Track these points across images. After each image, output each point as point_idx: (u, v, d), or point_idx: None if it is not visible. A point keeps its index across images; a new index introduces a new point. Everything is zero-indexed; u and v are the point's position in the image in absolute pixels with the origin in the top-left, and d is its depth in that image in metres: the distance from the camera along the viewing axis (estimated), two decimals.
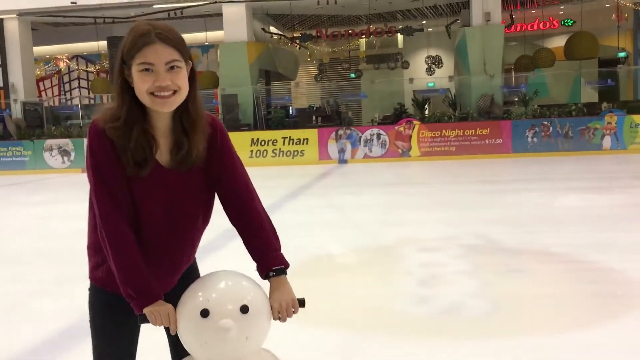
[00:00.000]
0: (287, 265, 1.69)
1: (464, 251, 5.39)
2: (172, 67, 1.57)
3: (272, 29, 19.93)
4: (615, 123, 13.89)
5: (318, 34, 18.32)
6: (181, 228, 1.70)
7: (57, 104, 23.22)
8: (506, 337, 3.39)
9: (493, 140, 14.53)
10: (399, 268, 5.02)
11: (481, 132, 14.60)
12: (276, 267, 1.66)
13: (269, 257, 1.68)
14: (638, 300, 3.95)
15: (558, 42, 19.78)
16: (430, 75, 19.57)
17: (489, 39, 15.46)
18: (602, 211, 7.09)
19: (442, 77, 18.56)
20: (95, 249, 1.72)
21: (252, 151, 15.47)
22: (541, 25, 20.21)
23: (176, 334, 1.60)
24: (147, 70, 1.55)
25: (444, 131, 14.83)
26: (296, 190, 10.27)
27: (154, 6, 17.04)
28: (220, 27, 17.55)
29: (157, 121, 1.64)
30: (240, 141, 15.41)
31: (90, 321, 1.77)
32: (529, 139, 14.30)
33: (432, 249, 5.56)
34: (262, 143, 15.61)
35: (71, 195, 11.49)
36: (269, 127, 16.63)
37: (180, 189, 1.67)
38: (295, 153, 15.43)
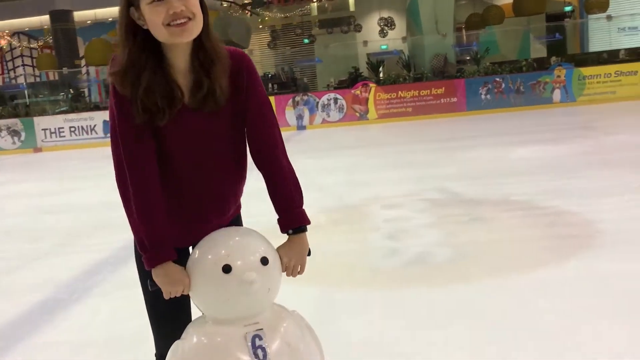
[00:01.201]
0: (308, 222, 1.66)
1: (427, 205, 5.56)
2: None
3: None
4: (564, 76, 14.28)
5: (270, 0, 18.05)
6: (208, 169, 1.65)
7: (0, 83, 22.35)
8: (472, 281, 3.55)
9: (448, 99, 14.76)
10: (366, 225, 5.14)
11: (436, 91, 14.80)
12: (296, 227, 1.65)
13: (291, 214, 1.65)
14: (593, 240, 4.17)
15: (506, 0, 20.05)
16: (384, 37, 19.60)
17: None
18: (555, 161, 7.37)
19: (395, 39, 18.62)
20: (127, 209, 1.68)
21: None
22: None
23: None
24: (157, 0, 1.48)
25: (399, 92, 14.97)
26: None
27: None
28: None
29: (176, 59, 1.56)
30: None
31: (139, 275, 1.75)
32: (483, 96, 14.59)
33: (396, 205, 5.70)
34: None
35: (25, 175, 11.21)
36: None
37: (206, 129, 1.61)
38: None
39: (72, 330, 3.34)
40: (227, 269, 1.49)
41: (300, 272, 1.68)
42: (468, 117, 14.10)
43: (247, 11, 19.85)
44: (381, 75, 16.76)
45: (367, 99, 15.07)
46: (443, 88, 14.80)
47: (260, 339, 1.51)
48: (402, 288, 3.55)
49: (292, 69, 19.30)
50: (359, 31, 20.76)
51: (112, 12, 21.10)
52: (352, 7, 21.57)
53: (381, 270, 3.94)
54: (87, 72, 20.28)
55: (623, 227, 4.35)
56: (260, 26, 23.17)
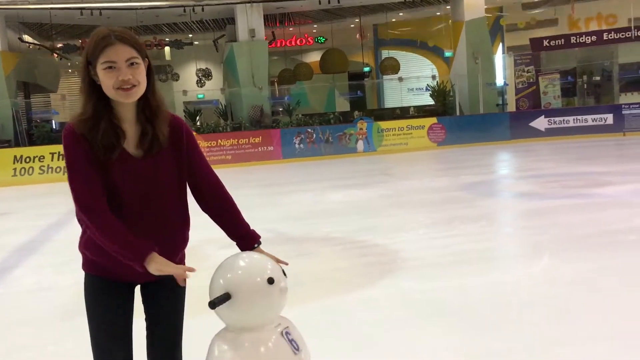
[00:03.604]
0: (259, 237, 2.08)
1: None
2: (132, 64, 1.82)
3: (28, 38, 18.60)
4: (366, 129, 16.10)
5: (83, 45, 17.64)
6: (155, 209, 1.93)
7: None
8: (309, 303, 4.21)
9: (265, 147, 15.70)
10: (207, 264, 5.56)
11: (254, 140, 15.67)
12: (259, 242, 2.07)
13: (249, 235, 2.07)
14: (397, 265, 5.12)
15: (314, 57, 22.00)
16: (201, 87, 20.17)
17: (255, 53, 16.65)
18: (363, 203, 8.52)
19: (214, 89, 19.31)
20: (83, 237, 1.95)
21: (15, 169, 14.36)
22: (298, 42, 22.23)
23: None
24: (110, 67, 1.80)
25: (219, 141, 15.56)
26: None
27: None
28: None
29: (123, 113, 1.88)
30: (1, 159, 14.24)
31: (86, 310, 1.98)
32: (297, 145, 15.79)
33: (231, 244, 6.20)
34: (27, 160, 14.58)
35: None
36: (32, 143, 15.60)
37: (149, 173, 1.91)
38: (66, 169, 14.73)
39: None
40: (271, 280, 1.82)
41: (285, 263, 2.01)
42: (284, 165, 15.15)
43: (56, 54, 19.11)
44: (198, 123, 17.23)
45: None
46: (260, 137, 15.72)
47: (289, 334, 1.89)
48: None
49: None
50: (177, 80, 21.11)
51: None
52: (168, 57, 21.88)
53: None
54: None
55: (419, 254, 5.39)
56: (70, 70, 22.36)
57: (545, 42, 17.63)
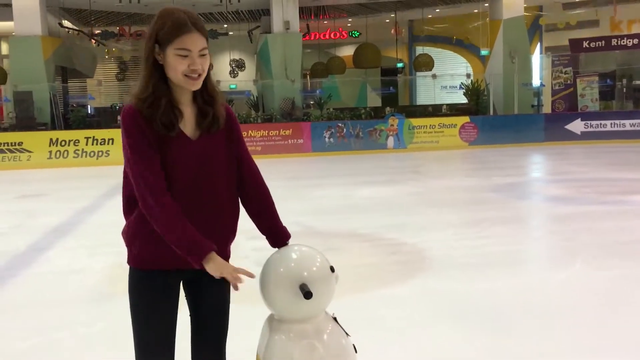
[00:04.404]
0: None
1: None
2: (202, 55, 1.84)
3: (67, 23, 18.95)
4: (397, 125, 16.00)
5: (121, 32, 17.95)
6: (206, 192, 1.92)
7: None
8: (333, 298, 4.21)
9: (295, 140, 15.73)
10: (236, 254, 5.61)
11: (284, 132, 15.71)
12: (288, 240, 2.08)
13: (283, 232, 2.08)
14: (425, 264, 5.09)
15: (347, 51, 21.92)
16: (234, 77, 20.29)
17: (289, 45, 16.67)
18: (392, 199, 8.48)
19: (246, 80, 19.40)
20: (129, 229, 1.91)
21: (51, 152, 14.66)
22: (332, 35, 22.17)
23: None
24: (183, 55, 1.81)
25: (250, 132, 15.62)
26: (111, 190, 10.23)
27: None
28: (6, 17, 16.26)
29: (181, 96, 1.90)
30: (37, 141, 14.57)
31: (130, 307, 1.94)
32: (327, 139, 15.78)
33: (259, 236, 6.24)
34: (63, 143, 14.88)
35: None
36: (68, 127, 15.91)
37: (205, 153, 1.91)
38: (100, 153, 14.99)
39: None
40: (332, 269, 1.91)
41: None
42: (313, 158, 15.16)
43: (93, 40, 19.43)
44: None
45: None
46: (291, 130, 15.75)
47: (337, 320, 1.97)
48: None
49: None
50: (211, 70, 21.25)
51: None
52: None
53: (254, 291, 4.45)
54: None
55: (447, 255, 5.35)
56: (107, 57, 22.71)
57: (585, 44, 17.23)
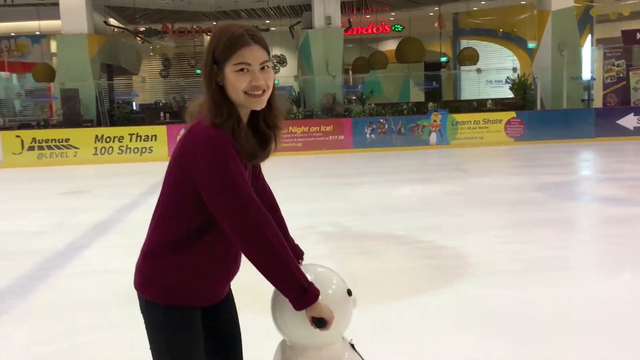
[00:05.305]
0: None
1: (322, 238, 6.06)
2: (263, 68, 1.67)
3: (113, 21, 19.30)
4: (440, 121, 15.65)
5: (164, 29, 18.15)
6: None
7: None
8: (366, 304, 4.04)
9: (336, 136, 15.59)
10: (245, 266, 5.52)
11: (325, 129, 15.58)
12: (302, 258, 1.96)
13: (296, 250, 1.98)
14: (462, 269, 4.87)
15: (390, 46, 21.59)
16: (276, 73, 20.26)
17: (330, 41, 16.52)
18: (432, 199, 8.23)
19: (287, 76, 19.36)
20: (173, 269, 1.70)
21: (96, 148, 14.95)
22: (375, 30, 21.89)
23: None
24: (243, 70, 1.64)
25: (290, 128, 15.55)
26: (152, 187, 10.33)
27: None
28: (54, 16, 16.65)
29: (242, 117, 1.72)
30: (83, 138, 14.88)
31: (162, 348, 1.73)
32: (368, 135, 15.58)
33: (295, 237, 6.13)
34: (108, 140, 15.16)
35: None
36: (113, 124, 16.20)
37: (250, 181, 1.76)
38: (144, 150, 15.21)
39: None
40: (349, 292, 1.77)
41: None
42: (354, 154, 14.99)
43: (138, 38, 19.73)
44: None
45: None
46: (331, 126, 15.61)
47: (354, 347, 1.84)
48: None
49: (183, 98, 19.38)
50: (270, 53, 21.35)
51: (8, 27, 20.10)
52: None
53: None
54: None
55: (487, 259, 5.11)
56: (152, 54, 23.03)
57: (639, 35, 16.46)
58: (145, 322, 1.76)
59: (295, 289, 1.60)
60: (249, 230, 1.60)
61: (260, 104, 1.69)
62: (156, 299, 1.72)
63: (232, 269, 1.82)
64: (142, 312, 1.77)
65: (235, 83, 1.64)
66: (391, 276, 4.78)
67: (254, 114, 1.74)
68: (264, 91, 1.67)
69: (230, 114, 1.64)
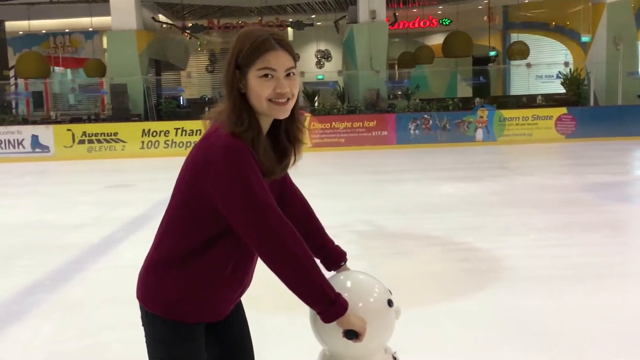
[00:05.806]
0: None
1: (354, 237, 5.95)
2: (289, 74, 1.58)
3: (161, 17, 19.63)
4: (487, 117, 15.25)
5: (210, 25, 18.33)
6: None
7: None
8: None
9: (379, 132, 15.40)
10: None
11: (368, 124, 15.41)
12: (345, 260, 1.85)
13: (338, 252, 1.84)
14: (497, 274, 4.68)
15: (437, 40, 21.20)
16: (320, 68, 20.23)
17: (374, 35, 16.30)
18: (472, 198, 7.99)
19: (331, 71, 19.26)
20: (182, 283, 1.64)
21: (143, 142, 15.25)
22: (421, 24, 21.51)
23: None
24: (267, 75, 1.55)
25: (333, 123, 15.48)
26: None
27: None
28: (105, 12, 17.05)
29: (263, 127, 1.62)
30: (131, 132, 15.19)
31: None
32: (411, 131, 15.32)
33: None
34: (154, 134, 15.42)
35: None
36: (160, 118, 16.48)
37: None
38: (189, 144, 15.40)
39: (12, 351, 3.46)
40: (390, 303, 1.69)
41: None
42: (397, 150, 14.78)
43: (186, 34, 20.02)
44: (316, 105, 17.28)
45: None
46: (375, 121, 15.43)
47: (395, 357, 1.76)
48: None
49: None
50: (297, 60, 21.33)
51: (45, 24, 20.72)
52: (290, 37, 22.15)
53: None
54: (16, 85, 19.76)
55: (525, 265, 4.89)
56: (199, 49, 23.35)
57: None
58: (145, 334, 1.72)
59: (322, 302, 1.54)
60: (270, 243, 1.53)
61: (284, 113, 1.60)
62: (158, 312, 1.67)
63: (239, 289, 1.75)
64: (143, 324, 1.73)
65: (259, 89, 1.56)
66: (422, 279, 4.63)
67: (275, 124, 1.65)
68: (288, 99, 1.59)
69: (251, 124, 1.56)
